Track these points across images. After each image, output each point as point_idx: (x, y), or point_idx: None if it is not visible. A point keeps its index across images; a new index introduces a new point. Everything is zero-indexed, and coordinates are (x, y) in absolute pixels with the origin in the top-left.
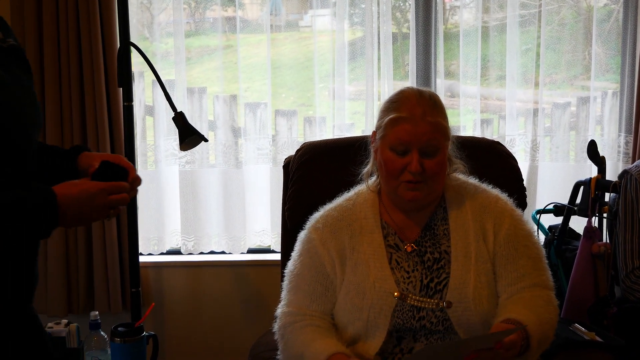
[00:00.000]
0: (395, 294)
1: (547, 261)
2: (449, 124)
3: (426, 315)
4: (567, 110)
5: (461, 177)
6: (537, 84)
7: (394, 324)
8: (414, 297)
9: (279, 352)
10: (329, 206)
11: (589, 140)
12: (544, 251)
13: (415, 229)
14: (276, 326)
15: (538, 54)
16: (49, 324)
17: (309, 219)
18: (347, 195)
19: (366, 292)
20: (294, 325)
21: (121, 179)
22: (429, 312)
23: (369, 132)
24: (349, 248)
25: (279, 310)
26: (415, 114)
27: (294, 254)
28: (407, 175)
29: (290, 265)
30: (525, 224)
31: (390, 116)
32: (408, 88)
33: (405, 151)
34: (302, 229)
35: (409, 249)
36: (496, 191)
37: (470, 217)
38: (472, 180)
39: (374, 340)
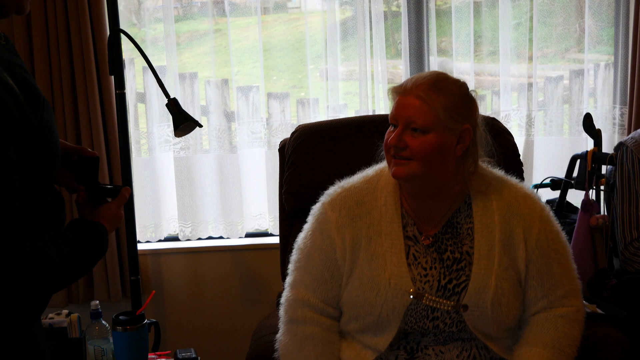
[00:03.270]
0: (411, 291)
1: (573, 258)
2: (473, 120)
3: (440, 315)
4: (560, 83)
5: (487, 171)
6: (530, 59)
7: (406, 322)
8: (429, 297)
9: (276, 338)
10: (347, 184)
11: (584, 113)
12: (570, 248)
13: (437, 222)
14: (281, 312)
15: (530, 29)
16: (50, 315)
17: (325, 194)
18: (367, 175)
19: (380, 288)
20: (297, 330)
21: (95, 167)
22: (443, 313)
23: (362, 112)
24: (365, 238)
25: (285, 288)
26: (406, 87)
27: (306, 229)
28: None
29: (300, 241)
30: (554, 223)
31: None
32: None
33: (397, 125)
34: (299, 211)
35: (426, 242)
36: (523, 186)
37: (497, 218)
38: (498, 172)
39: (384, 335)
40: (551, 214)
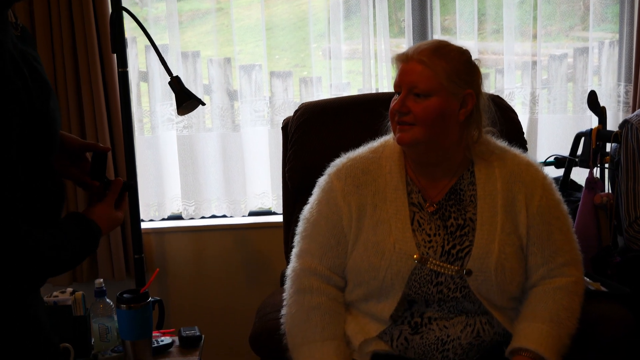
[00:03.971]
0: (415, 256)
1: (574, 229)
2: (476, 85)
3: (444, 281)
4: (564, 61)
5: (491, 140)
6: (534, 36)
7: (409, 287)
8: (434, 261)
9: (282, 313)
10: (353, 155)
11: (588, 91)
12: (571, 219)
13: (441, 190)
14: (287, 283)
15: (534, 6)
16: (55, 293)
17: (330, 165)
18: (372, 146)
19: (385, 253)
20: (304, 300)
21: (103, 161)
22: (447, 277)
23: (366, 91)
24: (370, 205)
25: (291, 259)
26: (409, 54)
27: (312, 200)
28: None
29: (306, 211)
30: (556, 192)
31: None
32: None
33: (400, 92)
34: (303, 189)
35: (431, 209)
36: (526, 156)
37: (499, 185)
38: (501, 143)
39: (388, 301)
40: (553, 184)
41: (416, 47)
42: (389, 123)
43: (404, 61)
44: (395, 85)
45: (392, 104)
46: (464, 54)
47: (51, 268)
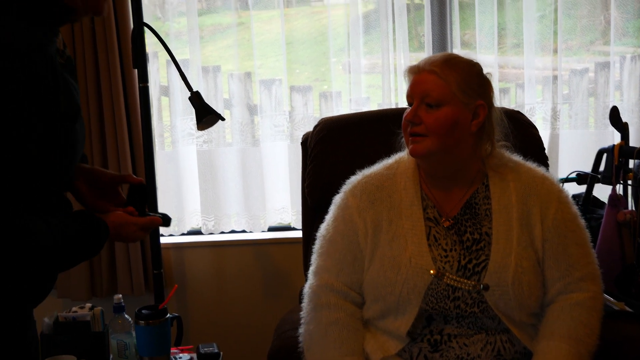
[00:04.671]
0: (432, 271)
1: (592, 244)
2: (487, 97)
3: (461, 296)
4: (585, 76)
5: (505, 154)
6: (554, 51)
7: (426, 302)
8: (450, 276)
9: (300, 331)
10: (368, 172)
11: (610, 106)
12: (588, 233)
13: (456, 204)
14: (304, 301)
15: (554, 20)
16: (74, 308)
17: (346, 183)
18: (387, 163)
19: (401, 267)
20: (322, 316)
21: (144, 195)
22: (464, 292)
23: (385, 106)
24: (386, 220)
25: (308, 277)
26: (420, 65)
27: (328, 218)
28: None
29: (323, 229)
30: (572, 205)
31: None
32: None
33: (412, 103)
34: (322, 205)
35: (447, 224)
36: (541, 170)
37: (514, 199)
38: (516, 157)
39: (404, 317)
40: (570, 198)
41: (427, 59)
42: (403, 139)
43: (415, 73)
44: (408, 96)
45: (404, 117)
46: (474, 66)
47: (45, 261)
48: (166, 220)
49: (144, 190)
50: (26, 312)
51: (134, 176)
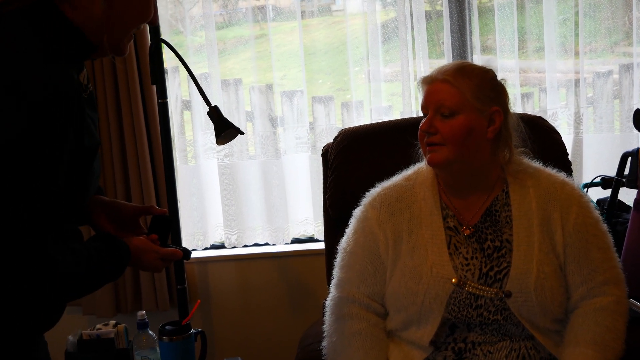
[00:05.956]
0: (453, 280)
1: (616, 248)
2: (502, 103)
3: (484, 303)
4: (610, 78)
5: (524, 160)
6: (576, 54)
7: (449, 311)
8: (472, 284)
9: (323, 344)
10: (387, 184)
11: (634, 109)
12: (611, 238)
13: (476, 212)
14: (327, 313)
15: (576, 23)
16: (98, 326)
17: (366, 195)
18: (406, 174)
19: (422, 277)
20: (344, 327)
21: (168, 227)
22: (487, 300)
23: (406, 115)
24: (406, 231)
25: (330, 290)
26: (433, 75)
27: (348, 231)
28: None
29: (343, 242)
30: (593, 210)
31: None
32: None
33: (427, 113)
34: (344, 216)
35: (467, 232)
36: (562, 175)
37: (534, 204)
38: (535, 163)
39: (427, 327)
40: (591, 202)
41: (439, 68)
42: (420, 149)
43: (428, 83)
44: (422, 107)
45: (420, 127)
46: (487, 72)
47: (70, 286)
48: (186, 254)
49: (167, 221)
50: (35, 337)
51: (157, 207)
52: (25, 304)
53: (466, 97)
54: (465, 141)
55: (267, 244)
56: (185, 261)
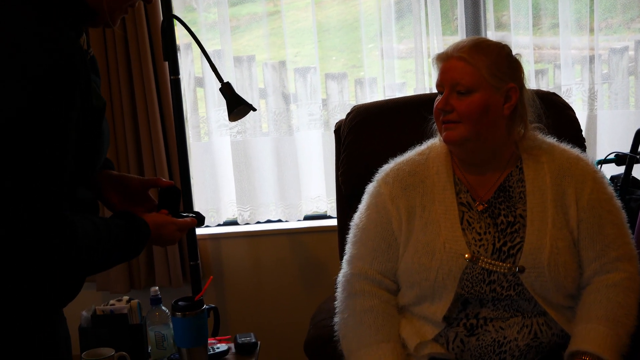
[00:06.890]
0: (466, 255)
1: (629, 224)
2: (518, 79)
3: (497, 279)
4: (625, 55)
5: (538, 136)
6: (592, 30)
7: (462, 286)
8: (485, 259)
9: (335, 320)
10: (400, 159)
11: None
12: (625, 214)
13: (489, 188)
14: (338, 289)
15: None
16: (111, 302)
17: (379, 171)
18: (419, 149)
19: (435, 253)
20: (356, 304)
21: (177, 198)
22: (500, 276)
23: (420, 91)
24: (419, 206)
25: (342, 266)
26: (448, 52)
27: (361, 207)
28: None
29: (356, 218)
30: (608, 186)
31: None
32: None
33: (443, 91)
34: (357, 193)
35: (480, 208)
36: (576, 151)
37: (548, 180)
38: (550, 139)
39: (441, 302)
40: (605, 178)
41: (455, 45)
42: (434, 125)
43: (444, 60)
44: (438, 85)
45: (435, 104)
46: (503, 48)
47: (89, 260)
48: (200, 220)
49: (176, 192)
50: (58, 312)
51: (163, 179)
52: (49, 272)
53: (482, 75)
54: (481, 118)
55: (279, 221)
56: (198, 236)
